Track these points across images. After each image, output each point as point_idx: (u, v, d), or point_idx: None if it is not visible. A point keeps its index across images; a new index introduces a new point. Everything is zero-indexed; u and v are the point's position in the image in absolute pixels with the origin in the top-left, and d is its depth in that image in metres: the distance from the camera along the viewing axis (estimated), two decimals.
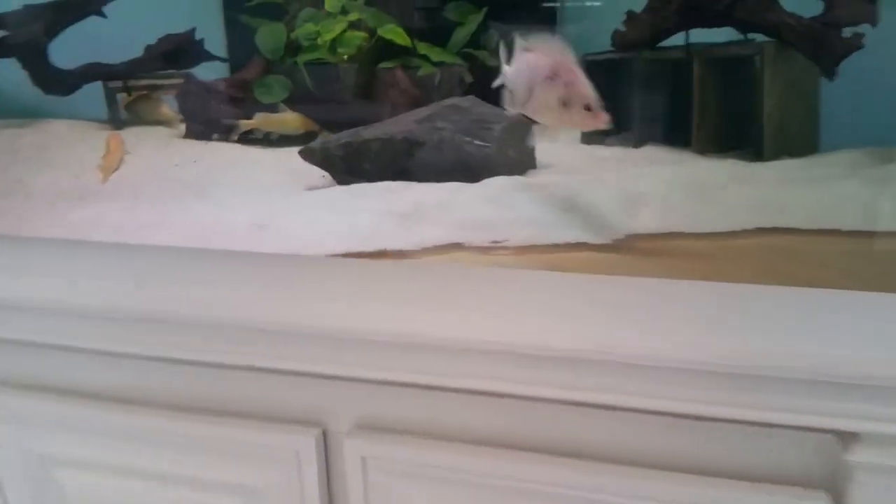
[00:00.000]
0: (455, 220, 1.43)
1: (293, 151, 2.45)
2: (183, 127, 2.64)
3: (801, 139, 1.79)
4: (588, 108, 1.09)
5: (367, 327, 0.93)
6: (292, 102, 2.40)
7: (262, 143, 2.38)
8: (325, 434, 1.11)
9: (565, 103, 1.11)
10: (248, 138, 2.41)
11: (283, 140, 2.34)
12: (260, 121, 2.33)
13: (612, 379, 0.86)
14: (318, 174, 2.01)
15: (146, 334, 1.02)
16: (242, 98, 2.49)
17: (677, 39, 1.94)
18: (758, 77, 1.73)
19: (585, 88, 1.09)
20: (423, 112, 1.77)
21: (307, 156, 1.80)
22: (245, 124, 2.33)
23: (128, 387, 1.10)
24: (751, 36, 1.84)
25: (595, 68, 1.16)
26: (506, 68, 1.34)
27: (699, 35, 1.91)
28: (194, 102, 2.52)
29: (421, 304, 0.94)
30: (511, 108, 1.34)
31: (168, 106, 2.79)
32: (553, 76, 1.11)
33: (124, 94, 2.96)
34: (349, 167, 1.71)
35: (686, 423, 0.90)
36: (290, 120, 2.32)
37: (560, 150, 1.93)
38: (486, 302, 0.94)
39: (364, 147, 1.69)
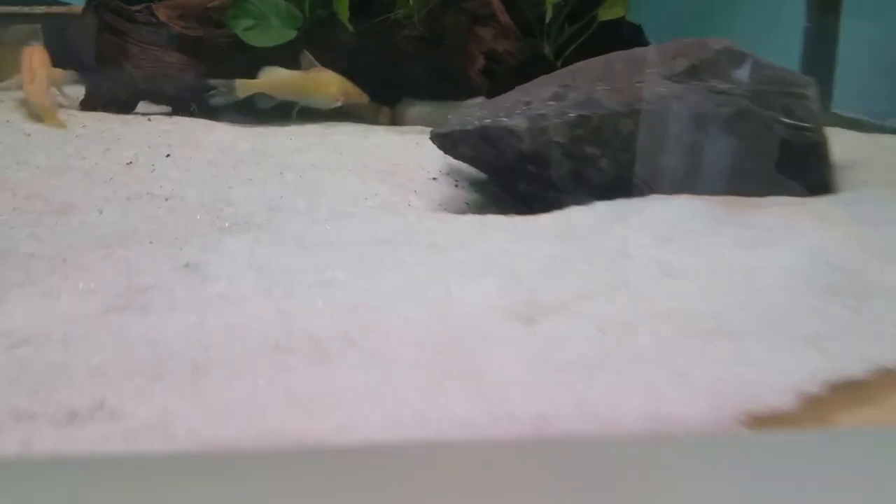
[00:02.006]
0: None
1: (322, 132, 1.58)
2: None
3: None
4: None
5: None
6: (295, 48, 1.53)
7: (231, 116, 1.49)
8: None
9: None
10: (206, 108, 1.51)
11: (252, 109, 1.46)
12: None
13: None
14: (421, 178, 1.23)
15: None
16: (201, 38, 1.58)
17: None
18: None
19: None
20: (668, 62, 1.06)
21: (455, 144, 1.02)
22: (246, 85, 1.44)
23: None
24: None
25: None
26: None
27: None
28: (109, 47, 1.55)
29: None
30: None
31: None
32: None
33: None
34: (575, 165, 0.96)
35: None
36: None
37: None
38: None
39: (608, 125, 0.96)
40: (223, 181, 1.13)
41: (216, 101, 1.43)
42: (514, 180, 1.03)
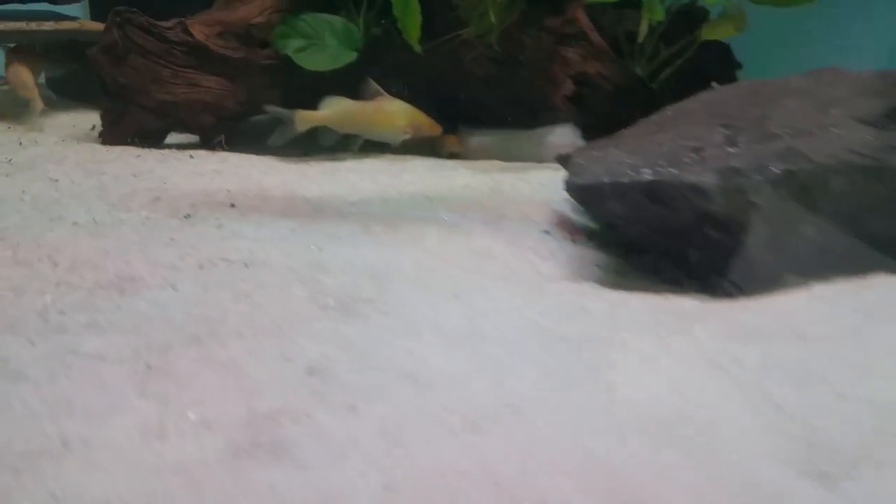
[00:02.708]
0: None
1: (390, 169, 1.35)
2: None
3: None
4: None
5: None
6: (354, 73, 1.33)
7: (274, 149, 1.29)
8: None
9: None
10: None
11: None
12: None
13: None
14: (531, 232, 1.05)
15: None
16: (244, 59, 1.37)
17: None
18: None
19: None
20: (852, 100, 0.90)
21: (603, 200, 0.86)
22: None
23: None
24: None
25: None
26: None
27: None
28: (136, 70, 1.34)
29: None
30: None
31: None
32: None
33: None
34: (773, 232, 0.80)
35: None
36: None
37: None
38: None
39: (818, 183, 0.79)
40: (306, 239, 0.93)
41: (275, 139, 1.23)
42: (681, 246, 0.85)
